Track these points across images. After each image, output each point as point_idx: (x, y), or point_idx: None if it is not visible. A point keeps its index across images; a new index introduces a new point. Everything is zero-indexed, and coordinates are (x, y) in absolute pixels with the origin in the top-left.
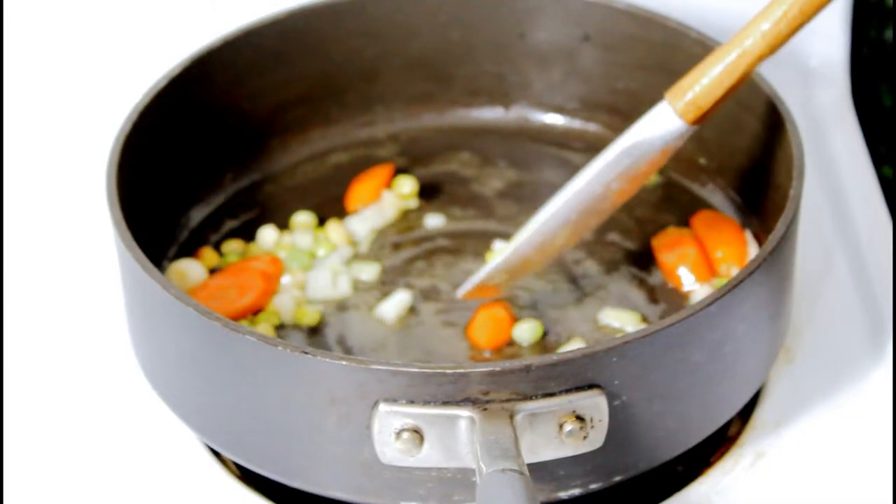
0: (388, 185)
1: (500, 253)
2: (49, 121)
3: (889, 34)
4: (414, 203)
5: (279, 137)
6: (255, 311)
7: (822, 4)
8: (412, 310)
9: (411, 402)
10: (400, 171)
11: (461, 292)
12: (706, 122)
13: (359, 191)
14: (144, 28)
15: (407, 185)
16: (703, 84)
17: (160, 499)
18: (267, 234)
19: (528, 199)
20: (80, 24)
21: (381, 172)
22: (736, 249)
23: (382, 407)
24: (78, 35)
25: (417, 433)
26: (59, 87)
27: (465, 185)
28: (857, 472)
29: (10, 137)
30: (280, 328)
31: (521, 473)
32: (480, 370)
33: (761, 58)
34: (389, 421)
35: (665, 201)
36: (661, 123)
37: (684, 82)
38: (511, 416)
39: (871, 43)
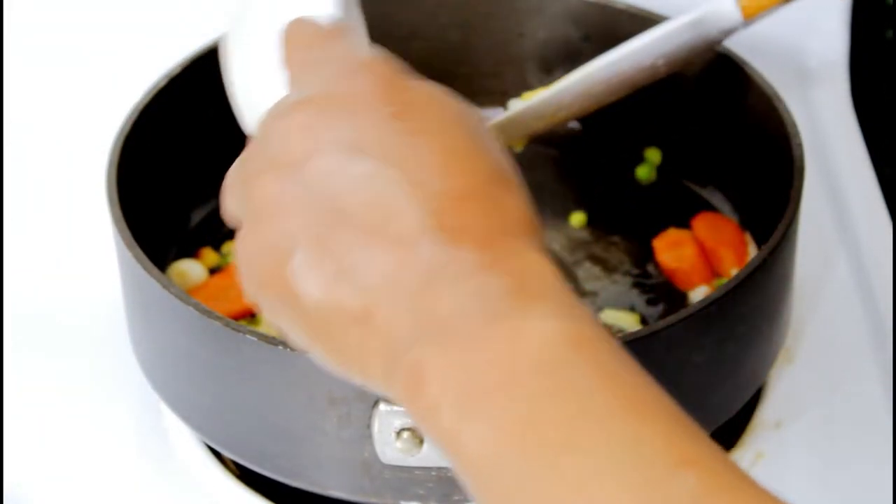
0: None
1: (536, 97)
2: (49, 121)
3: (889, 34)
4: None
5: None
6: (254, 312)
7: None
8: None
9: None
10: None
11: (489, 123)
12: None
13: None
14: (145, 28)
15: None
16: None
17: (160, 499)
18: None
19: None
20: (81, 24)
21: None
22: (736, 250)
23: (382, 406)
24: (78, 34)
25: (417, 432)
26: (59, 86)
27: None
28: (857, 472)
29: (10, 137)
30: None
31: None
32: None
33: None
34: (390, 420)
35: (665, 201)
36: (721, 13)
37: None
38: None
39: (872, 43)
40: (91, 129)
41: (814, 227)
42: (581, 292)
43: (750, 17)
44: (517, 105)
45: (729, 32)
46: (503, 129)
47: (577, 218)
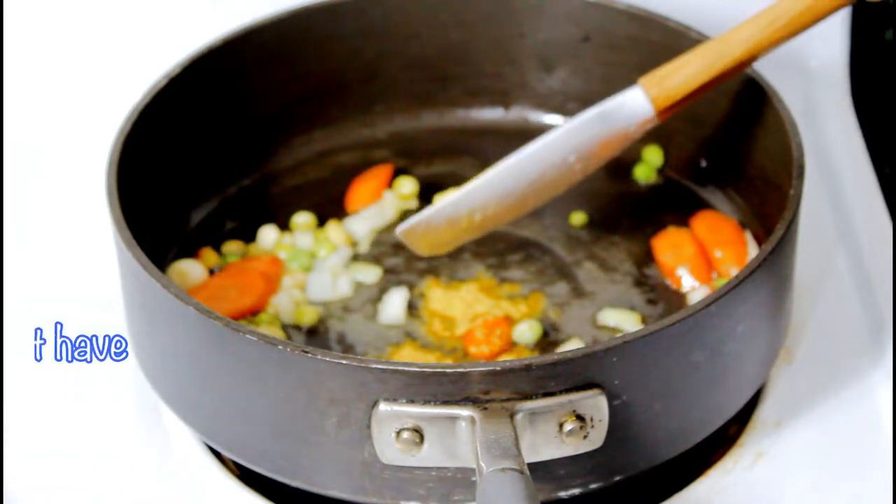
0: (389, 185)
1: (447, 197)
2: (49, 121)
3: (889, 34)
4: (414, 204)
5: (279, 138)
6: (254, 312)
7: (809, 23)
8: (412, 310)
9: (411, 401)
10: (400, 171)
11: (401, 228)
12: (673, 114)
13: (359, 191)
14: (144, 28)
15: (407, 186)
16: (680, 77)
17: (160, 499)
18: (267, 235)
19: None
20: (80, 24)
21: (382, 173)
22: (736, 249)
23: (382, 406)
24: (78, 35)
25: (417, 433)
26: (59, 86)
27: None
28: (857, 472)
29: (10, 137)
30: (279, 329)
31: (522, 473)
32: (480, 369)
33: (740, 62)
34: (389, 420)
35: (665, 201)
36: (632, 105)
37: (661, 71)
38: (511, 416)
39: (872, 43)
40: (91, 129)
41: (814, 227)
42: (581, 292)
43: (661, 110)
44: (427, 209)
45: (643, 125)
46: (419, 233)
47: (577, 218)
